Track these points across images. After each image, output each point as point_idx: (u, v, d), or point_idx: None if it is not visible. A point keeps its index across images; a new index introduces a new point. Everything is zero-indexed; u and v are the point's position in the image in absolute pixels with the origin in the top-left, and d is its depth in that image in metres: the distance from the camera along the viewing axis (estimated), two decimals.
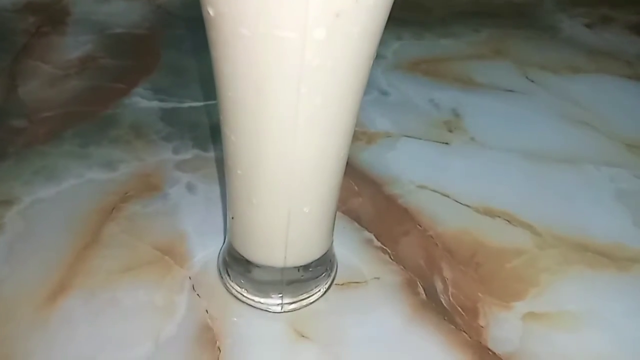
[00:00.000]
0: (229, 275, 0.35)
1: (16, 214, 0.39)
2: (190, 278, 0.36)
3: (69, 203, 0.41)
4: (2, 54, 0.59)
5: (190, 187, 0.43)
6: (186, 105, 0.53)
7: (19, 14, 0.68)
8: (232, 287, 0.34)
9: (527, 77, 0.65)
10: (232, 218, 0.32)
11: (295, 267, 0.33)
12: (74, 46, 0.62)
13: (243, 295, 0.34)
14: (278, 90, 0.25)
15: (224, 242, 0.37)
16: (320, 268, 0.34)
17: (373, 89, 0.59)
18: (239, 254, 0.33)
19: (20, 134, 0.47)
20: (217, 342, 0.32)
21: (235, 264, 0.34)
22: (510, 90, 0.62)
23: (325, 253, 0.34)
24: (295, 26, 0.23)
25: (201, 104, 0.53)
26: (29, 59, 0.59)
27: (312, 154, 0.28)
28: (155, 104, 0.53)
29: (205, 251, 0.37)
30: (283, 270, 0.33)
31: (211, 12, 0.24)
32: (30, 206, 0.40)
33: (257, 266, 0.33)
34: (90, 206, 0.40)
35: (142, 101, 0.53)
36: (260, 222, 0.31)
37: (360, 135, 0.51)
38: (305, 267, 0.33)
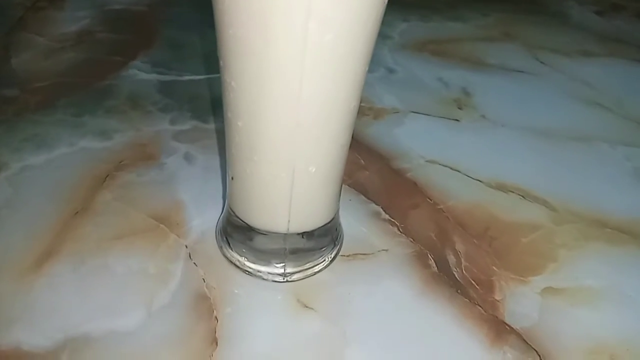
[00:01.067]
0: (228, 243, 0.32)
1: (4, 179, 0.37)
2: (186, 247, 0.33)
3: (59, 170, 0.38)
4: None
5: (188, 158, 0.41)
6: (186, 78, 0.51)
7: None
8: (232, 256, 0.32)
9: (537, 59, 0.63)
10: (232, 179, 0.30)
11: (299, 234, 0.31)
12: (71, 20, 0.60)
13: (244, 264, 0.32)
14: (283, 26, 0.23)
15: (223, 210, 0.34)
16: (326, 237, 0.32)
17: (379, 67, 0.57)
18: (240, 219, 0.31)
19: (11, 103, 0.45)
20: (215, 312, 0.30)
21: (236, 231, 0.32)
22: (521, 71, 0.59)
23: (331, 221, 0.32)
24: None
25: (202, 77, 0.51)
26: (23, 32, 0.57)
27: (319, 102, 0.26)
28: (153, 76, 0.51)
29: (203, 220, 0.35)
30: (286, 236, 0.31)
31: None
32: (18, 172, 0.38)
33: (259, 232, 0.31)
34: (82, 174, 0.38)
35: (139, 74, 0.51)
36: (262, 182, 0.29)
37: (367, 111, 0.49)
38: (310, 235, 0.31)
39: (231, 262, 0.32)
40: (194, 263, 0.33)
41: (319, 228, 0.31)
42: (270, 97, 0.25)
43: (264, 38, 0.23)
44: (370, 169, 0.42)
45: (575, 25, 0.74)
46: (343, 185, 0.39)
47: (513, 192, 0.41)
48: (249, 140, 0.28)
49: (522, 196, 0.41)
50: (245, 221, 0.31)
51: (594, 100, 0.55)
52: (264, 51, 0.24)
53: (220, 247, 0.33)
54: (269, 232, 0.31)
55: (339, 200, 0.33)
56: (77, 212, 0.35)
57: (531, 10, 0.78)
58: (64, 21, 0.59)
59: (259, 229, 0.31)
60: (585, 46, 0.68)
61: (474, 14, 0.73)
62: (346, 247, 0.35)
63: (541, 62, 0.62)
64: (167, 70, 0.52)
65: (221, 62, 0.26)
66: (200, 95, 0.48)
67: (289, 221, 0.30)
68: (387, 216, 0.38)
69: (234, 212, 0.31)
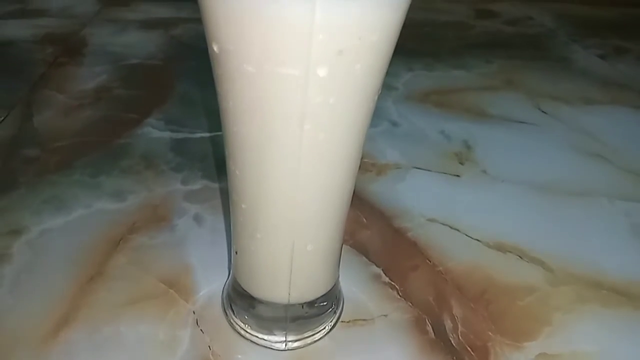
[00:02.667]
0: (232, 310, 0.34)
1: (24, 244, 0.39)
2: (194, 312, 0.35)
3: (76, 234, 0.41)
4: (21, 83, 0.60)
5: (197, 219, 0.43)
6: (197, 135, 0.53)
7: (38, 44, 0.70)
8: (236, 323, 0.34)
9: (539, 108, 0.64)
10: (236, 253, 0.32)
11: (299, 304, 0.32)
12: (89, 76, 0.63)
13: (246, 332, 0.33)
14: (282, 126, 0.25)
15: (229, 276, 0.36)
16: (326, 304, 0.34)
17: (383, 120, 0.59)
18: (243, 289, 0.33)
19: (32, 163, 0.48)
20: None
21: (239, 299, 0.34)
22: (522, 122, 0.61)
23: (331, 289, 0.34)
24: (298, 64, 0.23)
25: (212, 134, 0.53)
26: (45, 89, 0.60)
27: (316, 188, 0.28)
28: (166, 134, 0.53)
29: (210, 285, 0.37)
30: (287, 306, 0.32)
31: (216, 49, 0.24)
32: (38, 236, 0.40)
33: (261, 302, 0.32)
34: (97, 237, 0.40)
35: (153, 131, 0.54)
36: (264, 257, 0.30)
37: (370, 167, 0.51)
38: (310, 304, 0.33)
39: (235, 329, 0.34)
40: (201, 330, 0.34)
41: (319, 297, 0.33)
42: (271, 185, 0.27)
43: (264, 136, 0.26)
44: (372, 228, 0.44)
45: (579, 71, 0.76)
46: (345, 245, 0.41)
47: (511, 252, 0.42)
48: (251, 220, 0.29)
49: (520, 256, 0.42)
50: (248, 291, 0.33)
51: (595, 152, 0.56)
52: (264, 147, 0.26)
53: (226, 314, 0.35)
54: (271, 302, 0.32)
55: (338, 269, 0.34)
56: (92, 277, 0.37)
57: (535, 55, 0.80)
58: (83, 77, 0.63)
59: (261, 299, 0.32)
60: (588, 93, 0.69)
61: (478, 61, 0.75)
62: (346, 312, 0.36)
63: (543, 112, 0.64)
64: (179, 128, 0.54)
65: (226, 151, 0.28)
66: (210, 153, 0.50)
67: (289, 293, 0.31)
68: (387, 279, 0.39)
69: (237, 282, 0.33)
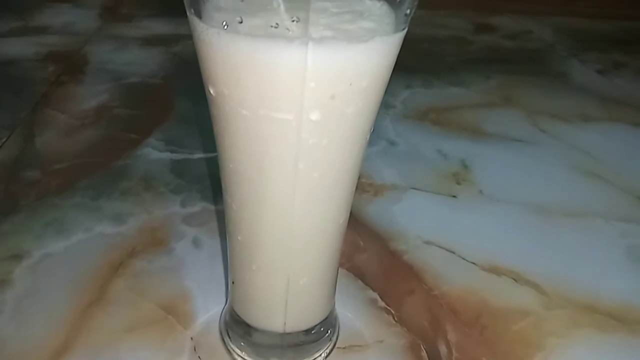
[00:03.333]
0: (229, 337, 0.35)
1: (26, 269, 0.40)
2: (192, 339, 0.36)
3: (77, 258, 0.41)
4: (23, 103, 0.61)
5: (195, 242, 0.43)
6: (196, 156, 0.54)
7: (40, 63, 0.70)
8: (233, 350, 0.34)
9: (537, 126, 0.65)
10: (233, 282, 0.33)
11: (295, 332, 0.33)
12: (90, 95, 0.64)
13: (243, 359, 0.34)
14: (276, 165, 0.26)
15: (226, 302, 0.37)
16: (322, 332, 0.34)
17: (381, 139, 0.59)
18: (240, 317, 0.33)
19: (34, 186, 0.48)
20: None
21: (236, 326, 0.34)
22: (520, 140, 0.62)
23: (327, 317, 0.34)
24: (291, 109, 0.23)
25: (210, 155, 0.54)
26: (47, 108, 0.61)
27: (310, 223, 0.28)
28: (166, 155, 0.54)
29: (208, 311, 0.37)
30: (283, 335, 0.33)
31: (212, 92, 0.25)
32: (39, 261, 0.41)
33: (257, 330, 0.33)
34: (98, 261, 0.41)
35: (153, 152, 0.54)
36: (260, 288, 0.31)
37: (368, 187, 0.51)
38: (306, 332, 0.33)
39: (232, 356, 0.34)
40: (199, 356, 0.35)
41: (315, 325, 0.33)
42: (266, 220, 0.28)
43: (259, 174, 0.26)
44: (369, 250, 0.44)
45: (577, 87, 0.76)
46: (342, 269, 0.41)
47: (506, 275, 0.43)
48: (247, 252, 0.30)
49: (515, 279, 0.42)
50: (245, 320, 0.33)
51: (592, 171, 0.57)
52: (259, 184, 0.27)
53: (223, 341, 0.35)
54: (267, 331, 0.33)
55: (334, 297, 0.35)
56: (93, 302, 0.38)
57: (533, 70, 0.80)
58: (84, 96, 0.63)
59: (257, 328, 0.33)
60: (586, 109, 0.70)
61: (476, 77, 0.76)
62: (342, 338, 0.36)
63: (540, 130, 0.64)
64: (179, 148, 0.55)
65: (223, 184, 0.29)
66: (209, 175, 0.51)
67: (285, 323, 0.32)
68: (383, 303, 0.39)
69: (234, 310, 0.34)
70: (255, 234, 0.29)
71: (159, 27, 0.83)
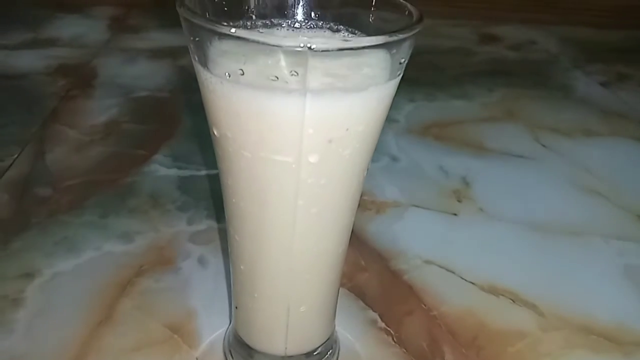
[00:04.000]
0: (232, 357, 0.36)
1: (37, 287, 0.41)
2: (197, 359, 0.37)
3: (86, 277, 0.43)
4: (33, 118, 0.63)
5: (201, 261, 0.45)
6: (202, 173, 0.55)
7: (50, 76, 0.72)
8: None
9: (538, 141, 0.66)
10: (236, 308, 0.34)
11: (296, 355, 0.34)
12: (99, 110, 0.65)
13: None
14: (277, 202, 0.27)
15: (230, 323, 0.38)
16: (322, 353, 0.35)
17: (384, 155, 0.60)
18: (243, 340, 0.35)
19: (44, 204, 0.50)
20: None
21: (239, 348, 0.35)
22: (521, 156, 0.62)
23: (327, 339, 0.35)
24: (291, 152, 0.24)
25: (216, 172, 0.55)
26: (57, 124, 0.62)
27: (309, 255, 0.29)
28: (173, 171, 0.55)
29: (213, 331, 0.39)
30: (284, 357, 0.34)
31: (216, 133, 0.26)
32: (50, 279, 0.42)
33: (259, 352, 0.34)
34: (106, 280, 0.42)
35: (161, 169, 0.56)
36: (261, 314, 0.32)
37: (370, 205, 0.53)
38: (307, 354, 0.34)
39: None
40: None
41: (315, 348, 0.35)
42: (267, 252, 0.29)
43: (261, 210, 0.27)
44: (370, 270, 0.45)
45: (579, 100, 0.77)
46: (343, 289, 0.42)
47: (504, 295, 0.44)
48: (249, 280, 0.31)
49: (512, 300, 0.43)
50: (247, 343, 0.34)
51: (592, 188, 0.58)
52: (260, 218, 0.28)
53: None
54: (268, 354, 0.34)
55: (334, 320, 0.36)
56: (101, 322, 0.39)
57: (536, 82, 0.81)
58: (94, 111, 0.65)
59: (258, 350, 0.34)
60: (588, 124, 0.70)
61: (480, 90, 0.76)
62: (342, 358, 0.38)
63: (542, 145, 0.65)
64: (186, 165, 0.56)
65: (227, 217, 0.30)
66: (214, 192, 0.52)
67: (286, 347, 0.33)
68: (383, 324, 0.40)
69: (237, 333, 0.35)
70: (257, 264, 0.30)
71: (167, 38, 0.85)
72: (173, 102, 0.68)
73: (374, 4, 0.28)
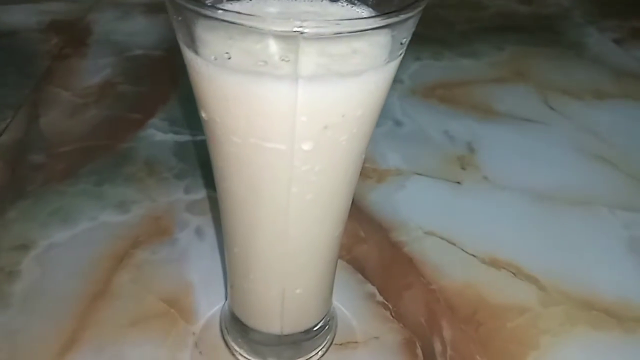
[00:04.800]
0: (229, 334, 0.36)
1: (33, 259, 0.41)
2: (194, 334, 0.37)
3: (82, 248, 0.42)
4: (27, 79, 0.61)
5: (198, 232, 0.44)
6: (199, 138, 0.54)
7: (43, 33, 0.69)
8: (232, 346, 0.35)
9: (547, 104, 0.63)
10: (231, 287, 0.33)
11: (292, 334, 0.34)
12: (93, 70, 0.63)
13: (242, 356, 0.35)
14: (269, 189, 0.25)
15: (226, 298, 0.38)
16: (319, 332, 0.35)
17: (387, 119, 0.58)
18: (238, 318, 0.34)
19: (39, 171, 0.49)
20: None
21: (235, 325, 0.35)
22: (529, 120, 0.60)
23: (324, 316, 0.35)
24: (283, 140, 0.23)
25: None
26: (50, 85, 0.60)
27: (304, 241, 0.28)
28: (169, 136, 0.54)
29: (210, 305, 0.38)
30: (281, 336, 0.33)
31: (204, 116, 0.25)
32: (45, 251, 0.42)
33: (254, 330, 0.34)
34: (102, 252, 0.42)
35: (157, 134, 0.54)
36: (257, 296, 0.32)
37: (371, 173, 0.51)
38: (304, 332, 0.34)
39: (232, 352, 0.35)
40: (200, 352, 0.36)
41: (312, 326, 0.34)
42: (260, 238, 0.28)
43: (252, 196, 0.26)
44: (369, 241, 0.45)
45: (592, 58, 0.74)
46: (342, 261, 0.42)
47: (505, 268, 0.43)
48: (243, 263, 0.30)
49: (514, 273, 0.43)
50: (243, 321, 0.34)
51: (600, 154, 0.56)
52: (252, 204, 0.27)
53: (223, 336, 0.36)
54: (264, 332, 0.34)
55: (331, 298, 0.35)
56: (97, 295, 0.39)
57: (547, 40, 0.78)
58: (88, 71, 0.63)
59: (254, 329, 0.34)
60: (600, 85, 0.68)
61: (488, 48, 0.73)
62: (340, 334, 0.37)
63: (550, 108, 0.63)
64: (182, 129, 0.55)
65: (219, 199, 0.29)
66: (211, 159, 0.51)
67: (282, 327, 0.33)
68: (381, 298, 0.40)
69: (233, 311, 0.35)
70: (251, 248, 0.29)
71: None
72: (169, 61, 0.65)
73: None
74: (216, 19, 0.19)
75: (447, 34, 0.76)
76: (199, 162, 0.51)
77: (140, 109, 0.57)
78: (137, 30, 0.71)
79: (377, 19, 0.20)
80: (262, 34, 0.19)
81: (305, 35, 0.19)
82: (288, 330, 0.33)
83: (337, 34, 0.20)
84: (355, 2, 0.28)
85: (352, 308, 0.39)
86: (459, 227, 0.46)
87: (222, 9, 0.19)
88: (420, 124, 0.58)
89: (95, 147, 0.52)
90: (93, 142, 0.53)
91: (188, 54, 0.22)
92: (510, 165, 0.54)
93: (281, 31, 0.19)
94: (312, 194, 0.26)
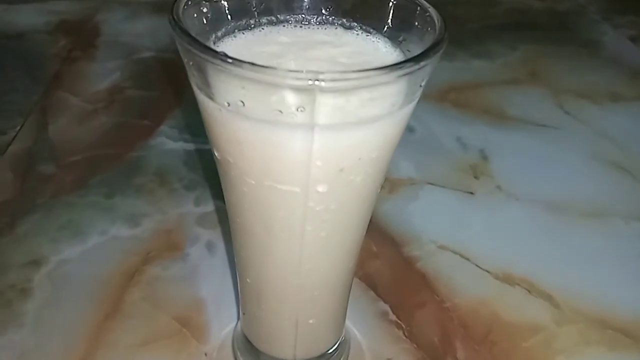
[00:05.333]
0: (241, 355, 0.36)
1: (44, 276, 0.41)
2: (205, 354, 0.37)
3: (93, 265, 0.42)
4: (35, 84, 0.60)
5: (209, 246, 0.44)
6: (209, 147, 0.53)
7: (51, 35, 0.69)
8: None
9: (562, 108, 0.62)
10: (244, 313, 0.33)
11: (305, 359, 0.33)
12: (102, 74, 0.62)
13: None
14: (283, 227, 0.25)
15: (238, 318, 0.37)
16: (332, 354, 0.35)
17: None
18: (250, 342, 0.34)
19: (48, 182, 0.49)
20: None
21: (247, 348, 0.35)
22: (543, 125, 0.59)
23: (337, 341, 0.35)
24: (298, 183, 0.22)
25: None
26: (59, 90, 0.60)
27: (318, 273, 0.28)
28: (180, 145, 0.53)
29: (222, 324, 0.38)
30: None
31: (217, 155, 0.24)
32: (57, 267, 0.42)
33: (267, 355, 0.34)
34: (113, 268, 0.42)
35: (167, 142, 0.54)
36: (269, 324, 0.31)
37: (383, 183, 0.50)
38: (317, 357, 0.34)
39: None
40: None
41: (325, 351, 0.34)
42: (273, 271, 0.28)
43: (266, 232, 0.26)
44: (382, 256, 0.44)
45: (607, 58, 0.72)
46: (355, 278, 0.41)
47: (520, 284, 0.42)
48: (256, 293, 0.30)
49: (528, 290, 0.42)
50: (255, 346, 0.34)
51: (616, 162, 0.55)
52: (266, 240, 0.26)
53: (235, 358, 0.36)
54: (277, 358, 0.33)
55: (344, 323, 0.35)
56: (109, 314, 0.39)
57: (562, 39, 0.76)
58: (96, 75, 0.62)
59: (267, 354, 0.34)
60: (615, 87, 0.67)
61: (502, 48, 0.72)
62: (353, 355, 0.37)
63: (565, 112, 0.62)
64: (192, 137, 0.54)
65: (232, 231, 0.29)
66: None
67: (294, 354, 0.32)
68: (394, 317, 0.40)
69: (245, 335, 0.34)
70: (264, 280, 0.29)
71: None
72: (178, 64, 0.64)
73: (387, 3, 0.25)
74: (228, 68, 0.19)
75: (460, 33, 0.75)
76: (209, 172, 0.50)
77: (149, 115, 0.57)
78: (146, 31, 0.70)
79: (397, 70, 0.19)
80: (277, 86, 0.19)
81: (322, 88, 0.18)
82: (301, 356, 0.33)
83: (355, 81, 0.19)
84: (371, 30, 0.27)
85: (365, 328, 0.39)
86: (472, 241, 0.45)
87: (234, 59, 0.19)
88: (432, 130, 0.57)
89: (105, 156, 0.52)
90: (103, 150, 0.52)
91: (200, 96, 0.22)
92: (523, 174, 0.53)
93: (297, 85, 0.18)
94: (327, 231, 0.25)
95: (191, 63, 0.21)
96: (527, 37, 0.75)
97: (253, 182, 0.23)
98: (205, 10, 0.25)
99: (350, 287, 0.32)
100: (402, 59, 0.22)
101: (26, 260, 0.42)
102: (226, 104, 0.21)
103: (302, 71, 0.18)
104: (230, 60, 0.19)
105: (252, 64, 0.18)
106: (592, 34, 0.77)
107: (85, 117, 0.56)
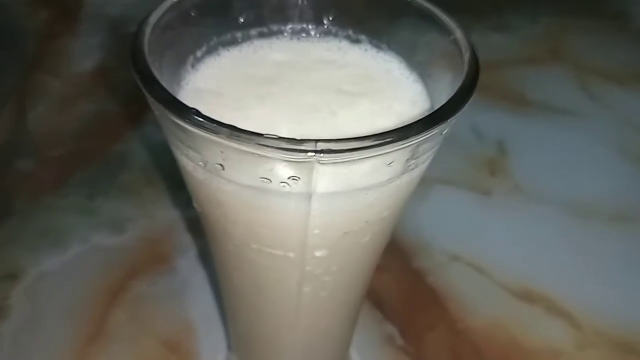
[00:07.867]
0: None
1: (22, 292, 0.37)
2: None
3: (75, 278, 0.38)
4: (13, 65, 0.55)
5: (200, 258, 0.40)
6: None
7: (31, 7, 0.63)
8: None
9: (586, 91, 0.57)
10: (236, 350, 0.30)
11: None
12: (85, 52, 0.57)
13: None
14: (277, 289, 0.21)
15: (229, 348, 0.34)
16: None
17: None
18: None
19: (27, 181, 0.45)
20: None
21: None
22: (565, 112, 0.55)
23: None
24: (292, 249, 0.18)
25: None
26: (39, 72, 0.55)
27: (316, 329, 0.24)
28: None
29: (213, 350, 0.35)
30: None
31: (198, 209, 0.20)
32: (35, 282, 0.38)
33: None
34: (96, 283, 0.38)
35: (154, 131, 0.49)
36: None
37: None
38: None
39: None
40: None
41: None
42: (266, 325, 0.24)
43: (258, 291, 0.22)
44: (390, 269, 0.40)
45: (636, 32, 0.66)
46: None
47: (538, 302, 0.39)
48: (248, 343, 0.27)
49: (547, 308, 0.39)
50: None
51: None
52: (258, 298, 0.23)
53: None
54: None
55: (347, 354, 0.32)
56: (92, 338, 0.35)
57: (587, 10, 0.70)
58: (79, 54, 0.57)
59: None
60: None
61: (522, 21, 0.66)
62: None
63: (590, 96, 0.57)
64: None
65: (219, 282, 0.25)
66: None
67: None
68: (402, 342, 0.36)
69: None
70: (257, 333, 0.25)
71: None
72: None
73: (404, 11, 0.21)
74: (201, 135, 0.14)
75: (478, 3, 0.68)
76: None
77: (136, 99, 0.52)
78: (132, 1, 0.64)
79: (411, 137, 0.15)
80: (265, 157, 0.14)
81: (321, 159, 0.14)
82: None
83: (360, 151, 0.15)
84: (381, 45, 0.22)
85: (370, 356, 0.36)
86: (487, 251, 0.42)
87: (209, 123, 0.14)
88: None
89: (88, 150, 0.47)
90: (85, 143, 0.48)
91: (175, 151, 0.18)
92: (544, 171, 0.48)
93: (292, 158, 0.14)
94: (327, 291, 0.22)
95: (159, 114, 0.16)
96: (549, 9, 0.68)
97: (238, 243, 0.19)
98: (178, 25, 0.20)
99: (352, 336, 0.28)
100: (420, 87, 0.18)
101: (3, 273, 0.39)
102: (202, 165, 0.17)
103: (296, 140, 0.14)
104: (203, 123, 0.14)
105: (232, 129, 0.14)
106: (620, 5, 0.70)
107: (67, 103, 0.52)
